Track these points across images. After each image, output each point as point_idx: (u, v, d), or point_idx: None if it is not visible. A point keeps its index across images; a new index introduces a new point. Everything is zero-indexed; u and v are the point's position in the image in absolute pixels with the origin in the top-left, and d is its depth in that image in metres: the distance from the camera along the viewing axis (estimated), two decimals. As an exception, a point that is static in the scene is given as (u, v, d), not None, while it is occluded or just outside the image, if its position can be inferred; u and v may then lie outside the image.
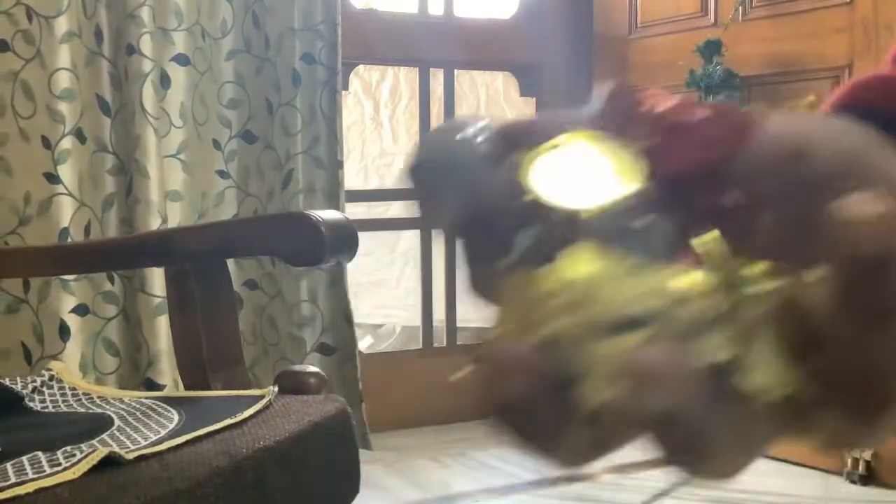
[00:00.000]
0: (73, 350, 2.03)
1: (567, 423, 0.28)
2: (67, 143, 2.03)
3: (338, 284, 2.43)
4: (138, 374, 2.16)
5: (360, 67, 3.21)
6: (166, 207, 2.18)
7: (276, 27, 2.36)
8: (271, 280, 2.40)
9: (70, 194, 2.04)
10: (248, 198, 2.38)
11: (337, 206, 2.39)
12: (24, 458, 0.95)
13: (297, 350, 2.39)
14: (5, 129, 2.01)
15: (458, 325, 3.05)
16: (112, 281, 2.15)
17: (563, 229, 0.30)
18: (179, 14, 2.21)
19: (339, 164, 2.41)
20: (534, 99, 3.09)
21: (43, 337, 2.01)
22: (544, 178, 0.30)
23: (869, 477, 2.33)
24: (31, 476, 0.89)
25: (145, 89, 2.13)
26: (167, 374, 2.15)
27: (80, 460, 0.91)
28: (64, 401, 1.33)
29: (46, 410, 1.29)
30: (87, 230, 2.10)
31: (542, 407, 0.28)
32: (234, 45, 2.34)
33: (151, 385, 2.13)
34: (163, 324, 2.14)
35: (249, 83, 2.37)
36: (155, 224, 2.13)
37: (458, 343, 3.05)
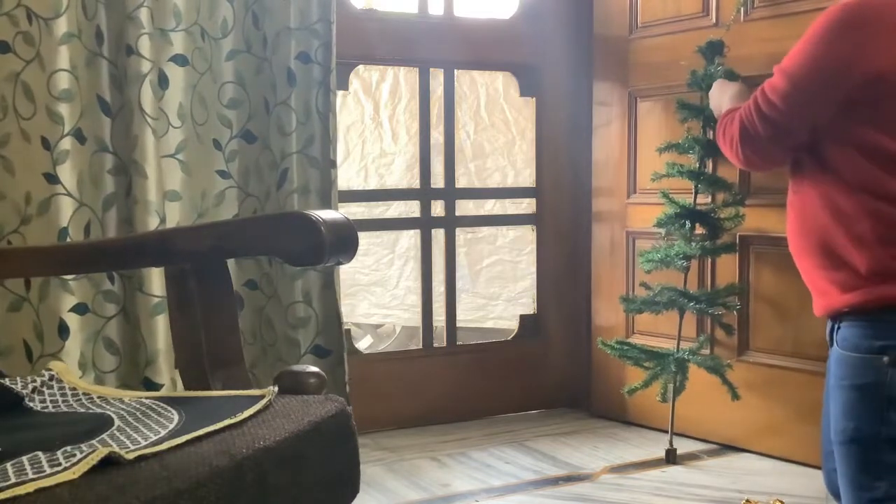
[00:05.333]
0: (73, 348, 2.03)
1: None
2: (67, 143, 2.03)
3: (330, 286, 2.42)
4: (139, 373, 2.16)
5: (360, 67, 3.21)
6: (164, 207, 2.18)
7: (273, 26, 2.35)
8: (268, 280, 2.40)
9: (69, 194, 2.04)
10: (248, 198, 2.38)
11: (329, 206, 2.38)
12: (24, 458, 0.94)
13: (293, 352, 2.38)
14: (7, 130, 2.01)
15: (458, 325, 3.05)
16: (112, 280, 2.14)
17: None
18: (178, 15, 2.20)
19: (331, 164, 2.40)
20: (534, 99, 3.08)
21: (43, 335, 2.01)
22: None
23: (869, 477, 2.33)
24: (31, 476, 0.89)
25: (143, 90, 2.13)
26: (165, 373, 2.14)
27: (80, 460, 0.91)
28: (64, 401, 1.33)
29: (46, 410, 1.29)
30: (86, 230, 2.09)
31: None
32: (235, 45, 2.33)
33: (149, 384, 2.13)
34: (161, 323, 2.13)
35: (249, 83, 2.36)
36: (153, 224, 2.13)
37: (458, 343, 3.05)
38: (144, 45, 2.12)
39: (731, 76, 2.39)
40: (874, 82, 1.46)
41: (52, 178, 2.01)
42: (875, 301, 1.46)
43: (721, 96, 2.06)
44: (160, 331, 2.13)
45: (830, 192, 1.53)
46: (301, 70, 2.36)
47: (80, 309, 2.06)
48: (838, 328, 1.53)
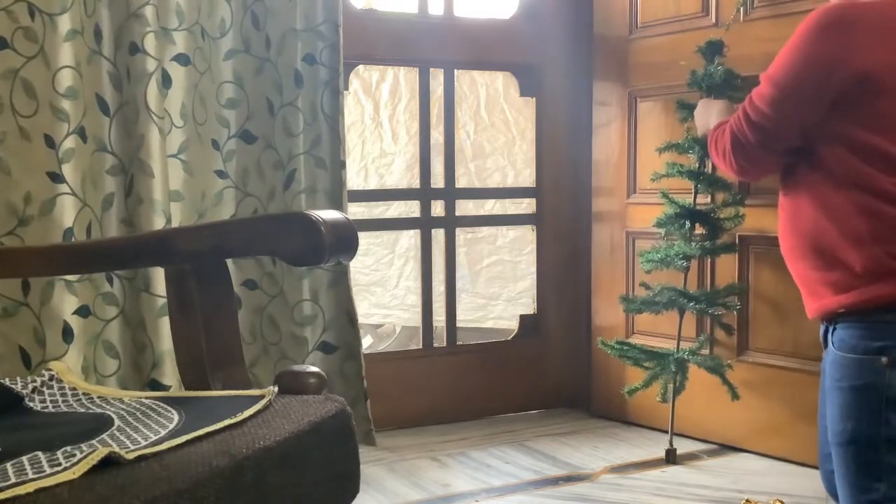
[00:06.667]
0: (75, 353, 2.00)
1: None
2: (71, 142, 2.00)
3: (340, 283, 2.42)
4: (140, 376, 2.15)
5: (360, 67, 3.21)
6: (170, 207, 2.17)
7: (278, 28, 2.36)
8: (272, 280, 2.40)
9: (74, 194, 2.01)
10: (246, 198, 2.37)
11: (339, 207, 2.39)
12: (24, 458, 0.94)
13: (299, 349, 2.39)
14: (2, 128, 1.96)
15: (458, 325, 3.05)
16: (111, 282, 2.13)
17: None
18: (180, 14, 2.20)
19: (341, 165, 2.41)
20: (534, 99, 3.09)
21: (45, 340, 1.97)
22: None
23: (869, 477, 2.33)
24: (31, 476, 0.89)
25: (149, 88, 2.11)
26: (172, 375, 2.12)
27: (80, 460, 0.91)
28: (64, 401, 1.33)
29: (46, 410, 1.29)
30: (88, 230, 2.07)
31: None
32: (233, 44, 2.33)
33: (156, 386, 2.11)
34: (167, 324, 2.10)
35: (248, 83, 2.36)
36: (159, 224, 2.11)
37: (458, 343, 3.05)
38: (150, 43, 2.11)
39: (730, 77, 2.39)
40: (860, 81, 1.46)
41: (56, 178, 1.98)
42: (871, 301, 1.46)
43: (707, 115, 2.08)
44: (166, 332, 2.11)
45: (821, 190, 1.53)
46: (307, 72, 2.37)
47: (83, 311, 2.03)
48: (834, 329, 1.53)
